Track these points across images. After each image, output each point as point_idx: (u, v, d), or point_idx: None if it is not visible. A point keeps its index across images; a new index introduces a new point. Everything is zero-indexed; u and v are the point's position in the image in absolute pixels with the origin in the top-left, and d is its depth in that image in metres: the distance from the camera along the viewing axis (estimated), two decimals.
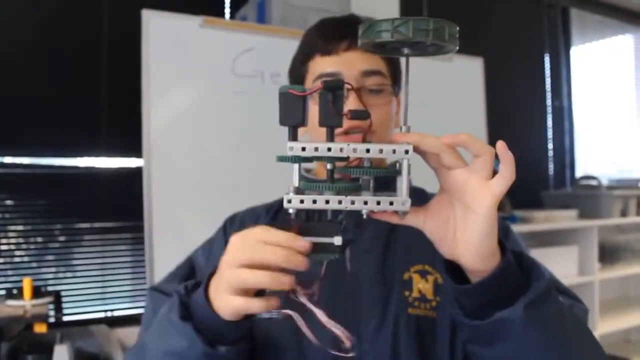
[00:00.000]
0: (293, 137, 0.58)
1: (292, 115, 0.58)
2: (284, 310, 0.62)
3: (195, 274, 0.91)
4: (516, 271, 0.63)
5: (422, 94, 2.34)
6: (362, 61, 0.87)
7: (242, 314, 0.63)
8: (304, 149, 0.57)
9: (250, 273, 0.59)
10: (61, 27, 2.21)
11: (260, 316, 0.62)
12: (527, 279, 0.64)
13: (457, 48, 0.59)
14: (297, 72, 0.94)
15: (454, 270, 0.65)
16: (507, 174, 0.58)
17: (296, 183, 0.59)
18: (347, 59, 0.87)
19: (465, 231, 0.60)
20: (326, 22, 0.94)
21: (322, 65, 0.88)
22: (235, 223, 0.96)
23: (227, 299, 0.62)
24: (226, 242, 0.92)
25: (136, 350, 0.78)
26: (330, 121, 0.58)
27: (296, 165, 0.59)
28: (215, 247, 0.94)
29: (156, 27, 1.94)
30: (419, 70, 2.40)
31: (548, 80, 3.72)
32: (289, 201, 0.58)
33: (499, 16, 3.51)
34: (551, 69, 3.74)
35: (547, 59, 3.72)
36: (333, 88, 0.58)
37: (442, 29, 0.56)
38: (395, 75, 0.93)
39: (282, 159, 0.59)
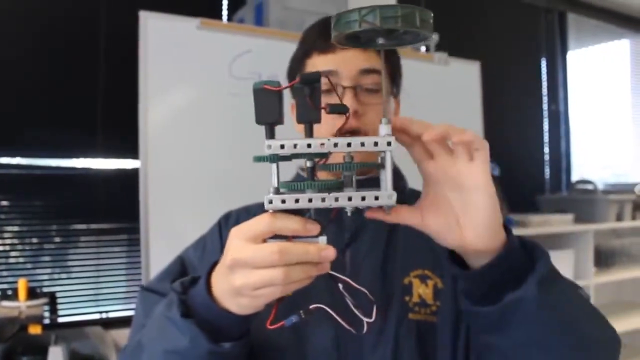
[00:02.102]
0: (270, 135, 0.56)
1: (268, 112, 0.55)
2: (312, 306, 0.59)
3: (187, 272, 0.90)
4: (521, 251, 0.63)
5: (420, 97, 2.35)
6: (360, 60, 0.86)
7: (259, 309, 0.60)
8: (282, 146, 0.54)
9: (281, 275, 0.55)
10: (58, 27, 2.21)
11: (290, 322, 0.59)
12: (531, 260, 0.63)
13: (434, 35, 0.57)
14: (295, 69, 0.94)
15: (456, 263, 0.64)
16: (480, 143, 0.57)
17: (275, 184, 0.56)
18: (345, 57, 0.87)
19: (469, 213, 0.59)
20: (326, 21, 0.93)
21: (319, 63, 0.88)
22: (230, 221, 0.96)
23: (244, 300, 0.59)
24: (221, 241, 0.92)
25: (130, 351, 0.77)
26: (308, 116, 0.56)
27: (274, 165, 0.56)
28: (209, 245, 0.93)
29: (154, 28, 1.95)
30: (416, 73, 2.42)
31: (545, 85, 3.73)
32: (270, 202, 0.55)
33: (496, 20, 3.52)
34: (548, 73, 3.75)
35: (543, 63, 3.74)
36: (310, 81, 0.55)
37: (411, 14, 0.53)
38: (393, 75, 0.93)
39: (260, 159, 0.56)
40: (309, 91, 0.55)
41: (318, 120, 0.56)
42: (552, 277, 0.62)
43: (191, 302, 0.67)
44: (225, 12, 2.54)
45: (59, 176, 2.24)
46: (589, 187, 3.32)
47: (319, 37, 0.90)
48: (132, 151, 2.01)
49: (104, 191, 2.27)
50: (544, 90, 3.73)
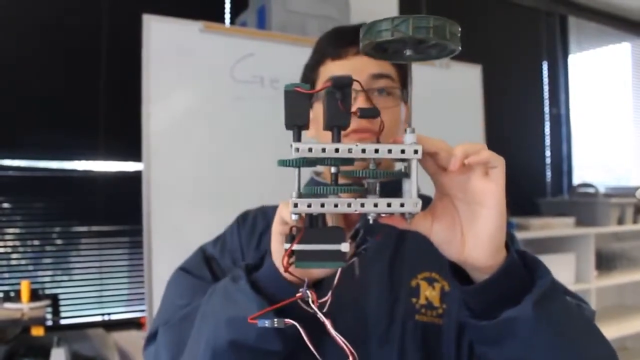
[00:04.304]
0: (298, 138, 0.55)
1: (298, 115, 0.54)
2: (286, 320, 0.60)
3: (210, 263, 0.91)
4: (521, 268, 0.63)
5: (421, 100, 2.35)
6: (372, 65, 0.87)
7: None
8: (310, 149, 0.53)
9: None
10: (61, 29, 2.22)
11: (263, 324, 0.60)
12: (532, 277, 0.63)
13: (460, 48, 0.57)
14: (308, 77, 0.95)
15: (458, 274, 0.64)
16: (497, 161, 0.58)
17: (297, 188, 0.55)
18: (357, 63, 0.88)
19: (474, 228, 0.59)
20: (338, 29, 0.96)
21: (331, 70, 0.89)
22: (248, 221, 0.96)
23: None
24: (240, 239, 0.93)
25: (175, 323, 0.79)
26: (338, 121, 0.55)
27: (297, 170, 0.56)
28: (228, 243, 0.94)
29: (157, 31, 1.95)
30: (418, 76, 2.41)
31: (546, 88, 3.74)
32: (295, 205, 0.54)
33: (497, 24, 3.53)
34: (549, 76, 3.75)
35: (545, 67, 3.74)
36: (341, 85, 0.54)
37: (442, 26, 0.54)
38: (404, 80, 0.93)
39: (284, 162, 0.55)
40: (340, 95, 0.55)
41: (347, 125, 0.56)
42: (551, 296, 0.62)
43: (256, 278, 0.69)
44: (227, 16, 2.55)
45: (61, 178, 2.25)
46: (590, 190, 3.32)
47: (330, 44, 0.92)
48: (134, 154, 2.01)
49: (106, 194, 2.28)
50: (545, 94, 3.74)
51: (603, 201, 3.14)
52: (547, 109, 3.72)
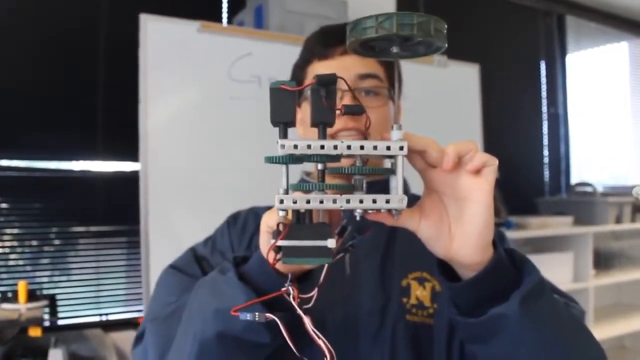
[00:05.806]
0: (284, 135, 0.56)
1: (284, 112, 0.55)
2: (267, 314, 0.60)
3: (200, 262, 0.91)
4: (508, 266, 0.63)
5: (418, 100, 2.36)
6: (359, 65, 0.87)
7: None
8: (296, 146, 0.54)
9: None
10: (59, 29, 2.22)
11: (244, 317, 0.60)
12: (520, 275, 0.63)
13: (446, 45, 0.56)
14: (297, 77, 0.95)
15: (446, 271, 0.64)
16: (490, 160, 0.58)
17: (285, 185, 0.56)
18: (343, 62, 0.87)
19: (462, 224, 0.59)
20: (326, 28, 0.95)
21: (318, 70, 0.89)
22: (239, 222, 0.96)
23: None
24: (230, 239, 0.93)
25: (162, 320, 0.79)
26: (323, 117, 0.56)
27: (284, 166, 0.56)
28: (218, 243, 0.94)
29: (154, 31, 1.95)
30: (416, 76, 2.42)
31: (544, 87, 3.74)
32: (281, 201, 0.54)
33: (495, 23, 3.53)
34: (547, 76, 3.76)
35: (542, 66, 3.74)
36: (326, 83, 0.55)
37: (426, 23, 0.54)
38: (393, 80, 0.93)
39: (271, 159, 0.55)
40: (324, 93, 0.55)
41: (332, 122, 0.56)
42: (538, 294, 0.62)
43: (243, 270, 0.69)
44: (225, 15, 2.54)
45: (58, 179, 2.25)
46: (588, 189, 3.33)
47: (318, 44, 0.91)
48: (132, 154, 2.02)
49: (104, 194, 2.27)
50: (543, 93, 3.74)
51: (601, 200, 3.14)
52: (545, 108, 3.72)
